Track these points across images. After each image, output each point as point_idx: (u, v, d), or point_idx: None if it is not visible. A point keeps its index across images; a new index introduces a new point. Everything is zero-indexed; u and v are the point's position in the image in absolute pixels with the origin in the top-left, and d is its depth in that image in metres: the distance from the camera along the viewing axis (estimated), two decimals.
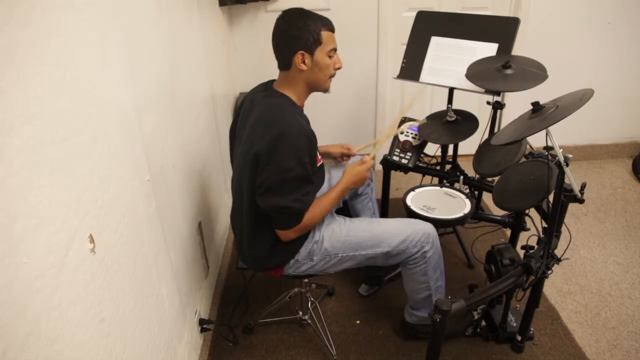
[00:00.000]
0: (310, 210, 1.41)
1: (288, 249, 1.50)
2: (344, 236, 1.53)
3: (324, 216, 1.50)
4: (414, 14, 2.08)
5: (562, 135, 1.74)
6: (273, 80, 1.52)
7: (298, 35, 1.35)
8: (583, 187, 1.45)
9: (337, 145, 1.86)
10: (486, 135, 1.97)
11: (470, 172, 1.95)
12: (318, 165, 1.46)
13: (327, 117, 2.89)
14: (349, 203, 1.98)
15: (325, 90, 1.49)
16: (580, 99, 1.23)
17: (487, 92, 1.80)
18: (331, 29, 1.41)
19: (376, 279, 2.03)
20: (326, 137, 1.95)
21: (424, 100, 2.91)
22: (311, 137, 1.36)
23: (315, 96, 1.52)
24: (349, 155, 1.88)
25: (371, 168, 1.94)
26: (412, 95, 1.97)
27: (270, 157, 1.31)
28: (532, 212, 1.78)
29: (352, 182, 1.57)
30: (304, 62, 1.38)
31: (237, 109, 1.60)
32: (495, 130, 2.05)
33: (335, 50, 1.43)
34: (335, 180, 1.82)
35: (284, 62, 1.42)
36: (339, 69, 1.46)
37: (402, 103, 2.96)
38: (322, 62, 1.40)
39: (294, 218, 1.39)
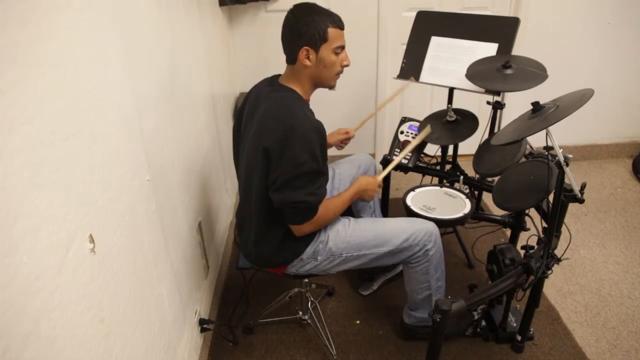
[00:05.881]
0: (323, 204, 1.41)
1: (294, 247, 1.50)
2: (348, 236, 1.54)
3: (337, 214, 1.51)
4: (414, 14, 2.09)
5: (562, 135, 1.75)
6: (278, 75, 1.52)
7: (304, 31, 1.35)
8: (583, 187, 1.45)
9: (334, 134, 1.87)
10: (486, 135, 1.98)
11: (470, 172, 1.95)
12: None
13: (326, 116, 2.86)
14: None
15: (331, 87, 1.49)
16: (580, 99, 1.23)
17: (487, 92, 1.80)
18: (340, 26, 1.41)
19: (369, 274, 2.05)
20: None
21: (423, 101, 2.91)
22: (321, 130, 1.37)
23: (315, 96, 1.52)
24: (348, 139, 1.88)
25: (372, 161, 1.97)
26: (401, 86, 1.99)
27: (283, 153, 1.31)
28: (532, 212, 1.78)
29: (364, 189, 1.58)
30: (308, 57, 1.39)
31: (239, 107, 1.60)
32: (495, 130, 2.05)
33: (342, 47, 1.43)
34: (339, 178, 1.83)
35: (290, 56, 1.42)
36: (346, 66, 1.46)
37: (402, 103, 2.96)
38: (327, 59, 1.40)
39: (309, 212, 1.40)
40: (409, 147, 1.86)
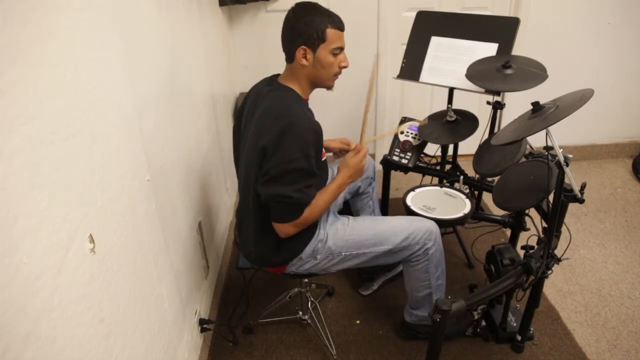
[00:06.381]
0: (310, 204, 1.40)
1: (294, 246, 1.50)
2: (347, 235, 1.53)
3: (322, 212, 1.47)
4: (414, 14, 2.09)
5: (562, 135, 1.75)
6: (277, 75, 1.52)
7: (303, 30, 1.35)
8: (583, 187, 1.45)
9: (337, 140, 1.86)
10: (486, 135, 1.98)
11: (470, 172, 1.95)
12: (322, 159, 1.46)
13: (326, 116, 2.86)
14: (350, 201, 1.99)
15: (328, 87, 1.49)
16: (580, 99, 1.23)
17: (487, 92, 1.80)
18: (339, 27, 1.40)
19: (369, 274, 2.05)
20: (325, 136, 1.94)
21: (423, 101, 2.91)
22: (318, 131, 1.37)
23: (314, 96, 1.52)
24: (347, 150, 1.87)
25: (370, 161, 1.91)
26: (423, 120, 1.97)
27: (277, 148, 1.31)
28: (532, 212, 1.78)
29: (349, 175, 1.48)
30: (305, 57, 1.39)
31: (239, 106, 1.60)
32: (495, 130, 2.05)
33: (341, 49, 1.43)
34: None
35: (289, 54, 1.42)
36: (344, 67, 1.46)
37: (402, 103, 2.96)
38: (325, 59, 1.40)
39: (295, 210, 1.37)
40: (404, 126, 1.86)
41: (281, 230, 1.41)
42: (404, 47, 2.06)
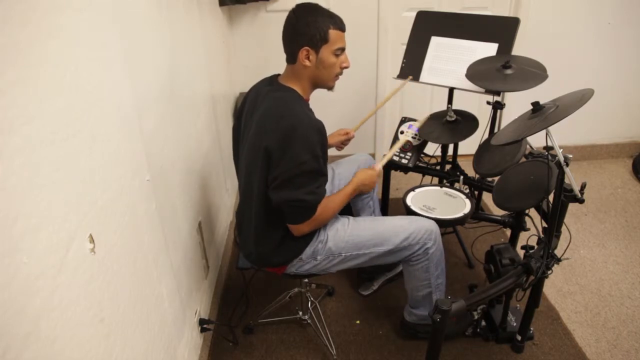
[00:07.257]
0: (322, 203, 1.41)
1: (294, 247, 1.50)
2: (347, 236, 1.54)
3: (336, 212, 1.51)
4: (414, 14, 2.09)
5: (562, 135, 1.75)
6: (277, 75, 1.52)
7: (305, 31, 1.36)
8: (583, 187, 1.45)
9: (334, 135, 1.87)
10: (486, 135, 1.97)
11: (470, 172, 1.95)
12: None
13: (326, 116, 2.87)
14: (350, 202, 1.98)
15: (329, 88, 1.50)
16: (580, 99, 1.23)
17: (487, 92, 1.80)
18: (341, 28, 1.41)
19: (369, 274, 2.05)
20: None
21: (423, 101, 2.91)
22: (322, 130, 1.37)
23: (314, 96, 1.52)
24: (349, 140, 1.88)
25: (372, 160, 1.95)
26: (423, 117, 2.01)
27: (284, 152, 1.31)
28: (532, 212, 1.78)
29: (363, 184, 1.60)
30: (308, 58, 1.39)
31: (239, 106, 1.60)
32: (495, 130, 2.05)
33: (343, 49, 1.43)
34: (338, 178, 1.83)
35: (290, 55, 1.43)
36: (345, 68, 1.46)
37: (402, 103, 2.96)
38: (327, 60, 1.40)
39: (308, 211, 1.40)
40: (401, 142, 1.88)
41: (296, 230, 1.45)
42: (404, 47, 2.06)
